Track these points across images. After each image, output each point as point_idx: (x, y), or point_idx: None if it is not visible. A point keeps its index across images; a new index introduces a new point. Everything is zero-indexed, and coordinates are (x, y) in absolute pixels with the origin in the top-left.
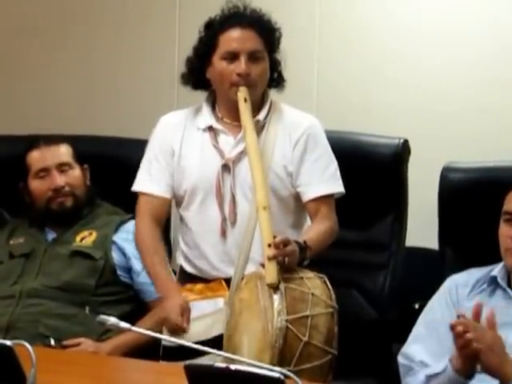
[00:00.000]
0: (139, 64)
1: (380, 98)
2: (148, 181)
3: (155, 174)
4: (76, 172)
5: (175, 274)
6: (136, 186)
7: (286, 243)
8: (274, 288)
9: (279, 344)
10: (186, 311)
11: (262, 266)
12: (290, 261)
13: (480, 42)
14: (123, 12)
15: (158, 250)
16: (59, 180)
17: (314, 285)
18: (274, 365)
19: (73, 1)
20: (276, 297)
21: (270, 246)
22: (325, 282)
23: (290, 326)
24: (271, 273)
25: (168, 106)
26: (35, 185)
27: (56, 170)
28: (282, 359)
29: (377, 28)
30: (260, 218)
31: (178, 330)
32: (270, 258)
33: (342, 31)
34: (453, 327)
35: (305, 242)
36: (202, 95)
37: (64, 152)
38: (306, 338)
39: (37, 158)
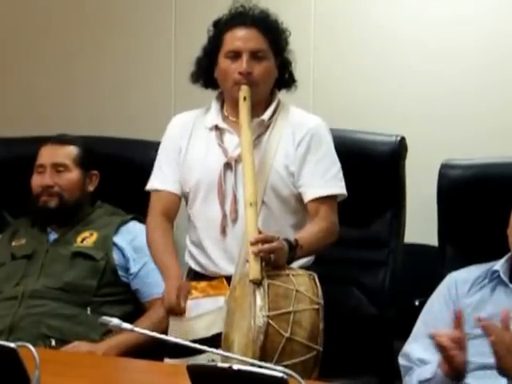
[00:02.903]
0: (136, 66)
1: (376, 97)
2: (159, 178)
3: (165, 171)
4: (71, 175)
5: None
6: (148, 185)
7: (270, 240)
8: (258, 284)
9: (260, 340)
10: (182, 291)
11: (247, 262)
12: (277, 258)
13: (477, 41)
14: (122, 15)
15: (167, 244)
16: (48, 179)
17: (301, 282)
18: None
19: (78, 5)
20: (258, 293)
21: (253, 242)
22: (313, 279)
23: (271, 321)
24: (254, 269)
25: (165, 108)
26: (32, 179)
27: (50, 169)
28: (263, 355)
29: (374, 26)
30: (246, 214)
31: (174, 311)
32: (253, 254)
33: (338, 31)
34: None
35: (296, 241)
36: (199, 98)
37: (65, 153)
38: (287, 334)
39: (40, 153)
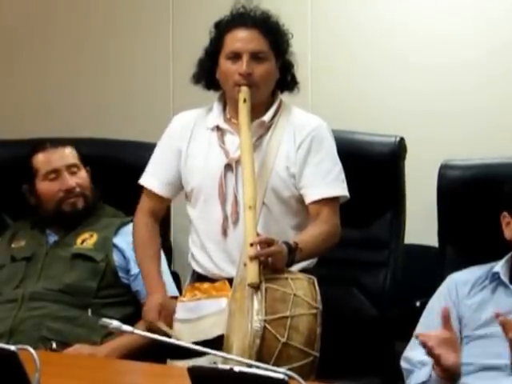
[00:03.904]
0: (135, 68)
1: (375, 97)
2: (151, 176)
3: (158, 171)
4: (83, 173)
5: (177, 276)
6: (141, 179)
7: (269, 243)
8: (255, 288)
9: (256, 344)
10: (164, 310)
11: (245, 265)
12: (276, 261)
13: (476, 40)
14: (119, 16)
15: (151, 244)
16: (71, 181)
17: (299, 286)
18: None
19: (77, 6)
20: (256, 297)
21: (252, 245)
22: (313, 283)
23: (267, 326)
24: (252, 273)
25: (164, 109)
26: (44, 187)
27: (66, 172)
28: (260, 360)
29: (371, 26)
30: (245, 217)
31: (155, 329)
32: (251, 258)
33: (335, 31)
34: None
35: (295, 244)
36: (198, 99)
37: (71, 154)
38: (284, 339)
39: (45, 160)
